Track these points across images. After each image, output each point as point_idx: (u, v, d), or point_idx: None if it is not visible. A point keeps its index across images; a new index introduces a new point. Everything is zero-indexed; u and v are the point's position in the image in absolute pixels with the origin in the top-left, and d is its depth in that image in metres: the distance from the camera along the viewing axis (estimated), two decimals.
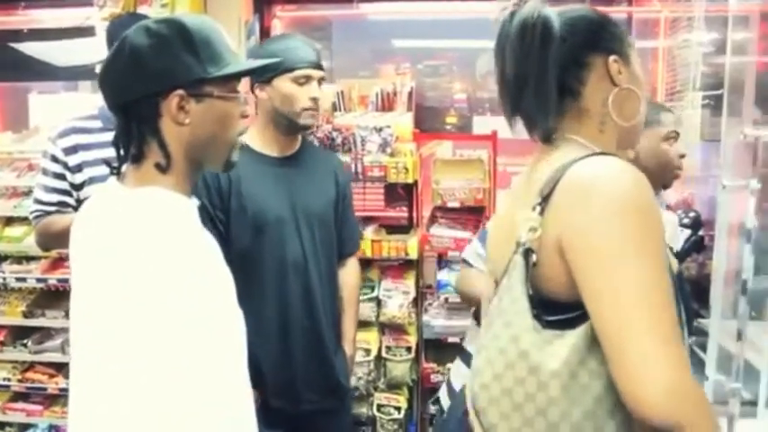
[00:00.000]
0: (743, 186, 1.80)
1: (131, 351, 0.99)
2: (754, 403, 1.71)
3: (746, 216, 1.73)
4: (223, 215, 1.88)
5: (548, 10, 1.04)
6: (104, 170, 2.03)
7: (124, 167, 1.15)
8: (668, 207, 2.06)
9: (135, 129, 1.10)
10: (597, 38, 1.08)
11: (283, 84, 1.89)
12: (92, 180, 1.99)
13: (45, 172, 2.04)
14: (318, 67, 1.94)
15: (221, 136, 1.14)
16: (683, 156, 1.89)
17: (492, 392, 0.97)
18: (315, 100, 1.92)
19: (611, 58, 1.07)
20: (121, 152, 1.14)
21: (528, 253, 0.97)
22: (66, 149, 2.00)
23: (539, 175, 1.04)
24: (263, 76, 1.90)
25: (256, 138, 1.97)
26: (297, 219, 1.94)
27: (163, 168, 1.10)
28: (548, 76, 1.04)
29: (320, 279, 1.99)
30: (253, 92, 1.96)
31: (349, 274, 2.22)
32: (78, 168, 2.00)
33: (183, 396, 0.98)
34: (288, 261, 1.92)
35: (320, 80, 1.96)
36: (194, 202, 1.16)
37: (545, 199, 0.97)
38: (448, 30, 4.12)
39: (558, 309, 0.96)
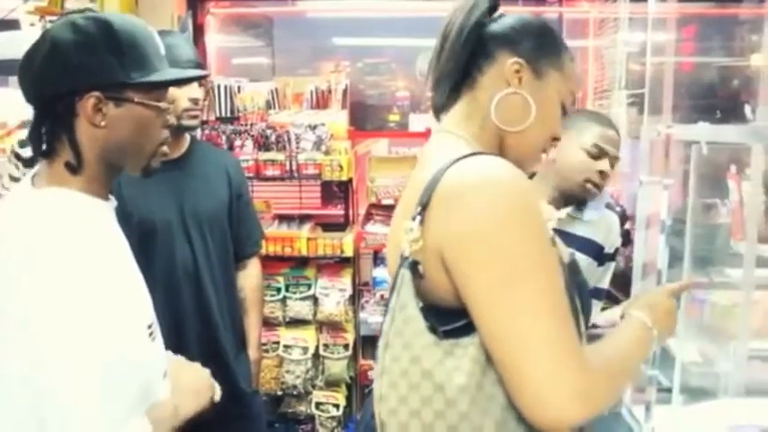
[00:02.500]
0: (658, 182, 1.87)
1: (28, 355, 0.96)
2: (669, 390, 1.78)
3: (661, 209, 1.79)
4: None
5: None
6: None
7: (37, 166, 1.12)
8: (608, 206, 2.08)
9: (48, 125, 1.06)
10: (512, 36, 1.06)
11: None
12: None
13: None
14: (198, 66, 1.89)
15: (138, 143, 1.10)
16: (602, 172, 1.84)
17: (400, 417, 0.93)
18: (195, 101, 1.88)
19: (514, 59, 1.05)
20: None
21: (414, 266, 0.94)
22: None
23: (420, 179, 1.01)
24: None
25: None
26: (185, 223, 1.90)
27: (73, 168, 1.07)
28: (459, 53, 1.05)
29: (214, 284, 1.96)
30: None
31: (249, 276, 2.18)
32: None
33: (85, 399, 0.96)
34: (178, 267, 1.89)
35: (200, 80, 1.90)
36: (110, 204, 1.14)
37: (424, 207, 0.94)
38: (388, 28, 4.13)
39: (450, 316, 0.93)
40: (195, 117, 1.91)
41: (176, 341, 1.80)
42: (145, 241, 1.82)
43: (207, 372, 1.27)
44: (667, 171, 1.87)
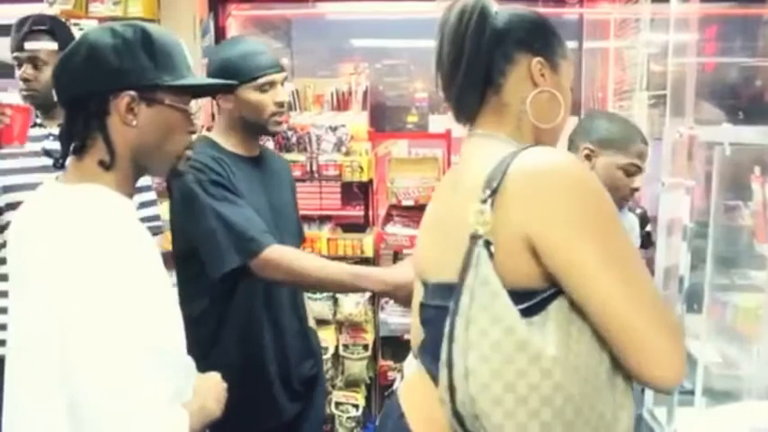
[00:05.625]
0: (680, 184, 1.85)
1: (70, 348, 0.99)
2: (691, 392, 1.77)
3: (683, 213, 1.79)
4: None
5: (487, 1, 1.08)
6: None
7: (67, 162, 1.16)
8: (628, 207, 2.08)
9: (81, 123, 1.10)
10: (528, 37, 1.09)
11: (247, 93, 1.78)
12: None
13: None
14: (280, 68, 1.85)
15: (166, 145, 1.15)
16: (635, 189, 1.89)
17: (493, 391, 0.92)
18: (281, 104, 1.83)
19: (536, 59, 1.09)
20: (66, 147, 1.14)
21: (488, 245, 0.96)
22: None
23: (472, 170, 1.04)
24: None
25: (221, 138, 1.87)
26: (278, 225, 1.83)
27: (106, 165, 1.11)
28: (478, 63, 1.07)
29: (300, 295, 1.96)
30: (216, 101, 1.89)
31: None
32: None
33: (127, 392, 0.99)
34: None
35: (283, 81, 1.88)
36: (134, 203, 1.17)
37: (494, 191, 0.97)
38: (407, 29, 4.14)
39: (514, 297, 0.95)
40: (280, 123, 1.87)
41: (278, 342, 1.82)
42: None
43: (222, 382, 1.29)
44: (690, 173, 1.85)
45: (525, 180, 0.96)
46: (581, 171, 0.98)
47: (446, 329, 0.97)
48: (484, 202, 0.97)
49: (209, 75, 1.76)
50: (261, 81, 1.78)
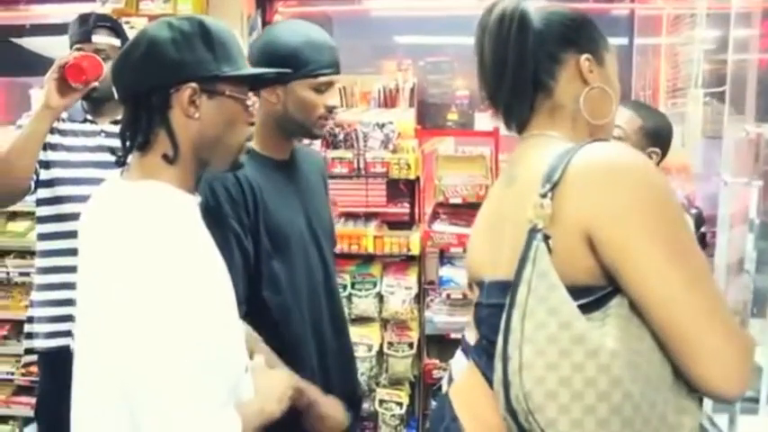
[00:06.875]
0: (745, 183, 1.81)
1: (129, 350, 1.00)
2: (755, 400, 1.72)
3: (749, 211, 1.74)
4: (250, 235, 1.57)
5: (527, 3, 1.06)
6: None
7: (129, 159, 1.16)
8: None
9: (144, 118, 1.10)
10: (571, 35, 1.08)
11: (301, 89, 1.58)
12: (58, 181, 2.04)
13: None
14: (339, 69, 1.66)
15: (227, 137, 1.15)
16: None
17: (548, 385, 0.90)
18: (332, 108, 1.65)
19: (584, 56, 1.07)
20: (127, 144, 1.15)
21: (546, 238, 0.94)
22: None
23: (530, 165, 1.03)
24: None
25: (254, 138, 1.65)
26: (314, 231, 1.70)
27: (170, 159, 1.11)
28: (524, 69, 1.05)
29: (335, 288, 1.81)
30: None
31: None
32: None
33: (181, 395, 0.99)
34: (314, 273, 1.69)
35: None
36: (196, 199, 1.17)
37: (555, 184, 0.95)
38: (449, 26, 4.11)
39: (576, 294, 0.93)
40: (324, 126, 1.71)
41: (319, 351, 1.70)
42: (282, 255, 1.62)
43: (289, 378, 1.29)
44: (756, 171, 1.80)
45: (587, 173, 0.95)
46: (646, 167, 0.95)
47: (502, 323, 0.96)
48: (544, 195, 0.95)
49: (257, 59, 1.56)
50: (321, 80, 1.59)
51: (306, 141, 2.10)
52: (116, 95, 1.17)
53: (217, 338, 1.05)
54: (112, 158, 2.04)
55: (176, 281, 1.00)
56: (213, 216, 1.46)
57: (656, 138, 1.81)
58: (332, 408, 1.60)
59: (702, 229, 2.69)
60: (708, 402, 1.82)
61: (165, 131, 1.11)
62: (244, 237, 1.54)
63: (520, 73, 1.05)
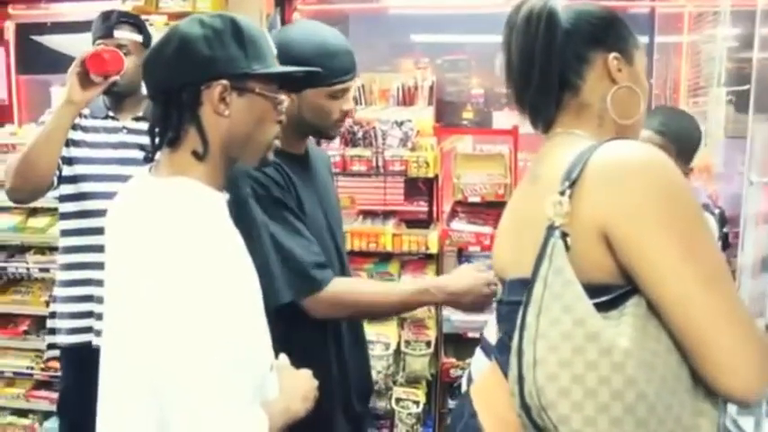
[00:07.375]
0: None
1: (158, 347, 1.00)
2: None
3: None
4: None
5: (555, 2, 1.05)
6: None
7: (158, 156, 1.16)
8: (705, 207, 2.02)
9: (174, 115, 1.10)
10: (599, 34, 1.08)
11: (317, 97, 1.57)
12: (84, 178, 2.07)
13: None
14: (355, 72, 1.66)
15: (257, 134, 1.15)
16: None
17: (561, 382, 0.90)
18: (346, 113, 1.67)
19: (612, 55, 1.07)
20: (156, 140, 1.15)
21: (564, 236, 0.94)
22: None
23: (552, 163, 1.03)
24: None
25: None
26: (330, 226, 1.71)
27: (199, 156, 1.11)
28: (552, 68, 1.05)
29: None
30: None
31: None
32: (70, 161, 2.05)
33: (210, 392, 0.99)
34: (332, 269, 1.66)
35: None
36: (225, 196, 1.17)
37: (573, 182, 0.95)
38: (466, 24, 4.09)
39: (589, 291, 0.92)
40: (340, 127, 1.74)
41: (337, 349, 1.71)
42: None
43: (313, 379, 1.28)
44: None
45: (603, 171, 0.94)
46: (664, 164, 0.94)
47: (518, 319, 0.95)
48: (562, 193, 0.95)
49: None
50: (337, 88, 1.58)
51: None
52: (145, 92, 1.17)
53: (244, 336, 1.05)
54: (135, 155, 2.06)
55: (206, 278, 1.00)
56: (264, 203, 1.51)
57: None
58: None
59: (725, 229, 2.66)
60: (733, 405, 1.80)
61: (195, 128, 1.11)
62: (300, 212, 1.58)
63: (547, 72, 1.05)
